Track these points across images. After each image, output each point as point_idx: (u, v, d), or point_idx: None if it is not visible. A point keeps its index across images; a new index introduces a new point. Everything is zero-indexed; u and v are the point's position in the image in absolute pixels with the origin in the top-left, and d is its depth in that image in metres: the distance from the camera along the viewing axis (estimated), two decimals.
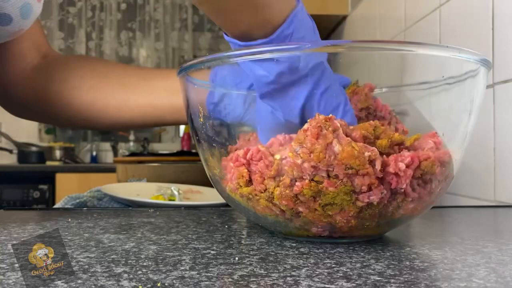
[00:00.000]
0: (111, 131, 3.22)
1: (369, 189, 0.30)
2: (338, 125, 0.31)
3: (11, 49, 0.62)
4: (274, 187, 0.31)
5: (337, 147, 0.30)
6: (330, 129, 0.30)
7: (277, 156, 0.31)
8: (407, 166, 0.31)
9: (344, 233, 0.34)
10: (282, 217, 0.33)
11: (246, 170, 0.33)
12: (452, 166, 0.34)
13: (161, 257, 0.29)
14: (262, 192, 0.32)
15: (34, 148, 2.88)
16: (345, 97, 0.37)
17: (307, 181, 0.30)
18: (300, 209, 0.31)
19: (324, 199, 0.31)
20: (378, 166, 0.30)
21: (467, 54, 0.32)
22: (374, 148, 0.30)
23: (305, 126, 0.31)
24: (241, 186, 0.33)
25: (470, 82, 0.34)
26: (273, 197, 0.32)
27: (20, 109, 0.69)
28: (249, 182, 0.33)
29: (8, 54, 0.63)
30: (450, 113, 0.35)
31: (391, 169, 0.30)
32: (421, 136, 0.33)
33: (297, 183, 0.31)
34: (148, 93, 0.63)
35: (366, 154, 0.30)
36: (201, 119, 0.37)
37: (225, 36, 0.39)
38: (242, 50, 0.34)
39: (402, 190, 0.31)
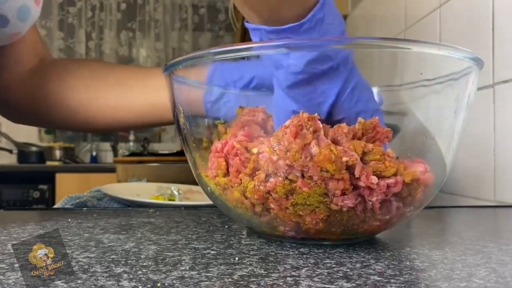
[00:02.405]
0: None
1: (343, 193, 0.30)
2: (320, 126, 0.30)
3: (10, 53, 0.62)
4: (249, 181, 0.31)
5: (314, 149, 0.29)
6: (311, 129, 0.29)
7: (255, 150, 0.31)
8: (389, 186, 0.30)
9: (309, 235, 0.33)
10: (252, 211, 0.33)
11: (224, 163, 0.33)
12: (432, 191, 0.34)
13: (161, 257, 0.29)
14: (237, 185, 0.32)
15: (34, 148, 2.88)
16: (371, 91, 0.35)
17: (280, 178, 0.30)
18: (272, 205, 0.31)
19: (297, 198, 0.30)
20: (357, 172, 0.29)
21: (459, 52, 0.32)
22: (354, 153, 0.29)
23: (287, 122, 0.30)
24: (218, 175, 0.33)
25: (463, 81, 0.33)
26: (246, 191, 0.31)
27: (17, 114, 0.69)
28: (227, 173, 0.33)
29: (6, 58, 0.62)
30: (443, 112, 0.34)
31: (361, 182, 0.30)
32: (416, 173, 0.32)
33: (271, 179, 0.30)
34: (146, 92, 0.63)
35: (344, 159, 0.29)
36: (182, 119, 0.37)
37: (247, 25, 0.35)
38: (222, 47, 0.32)
39: (371, 203, 0.30)
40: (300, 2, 0.32)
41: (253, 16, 0.33)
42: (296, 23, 0.32)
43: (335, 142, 0.30)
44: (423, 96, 0.34)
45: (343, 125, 0.31)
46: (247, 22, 0.35)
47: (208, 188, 0.36)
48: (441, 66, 0.33)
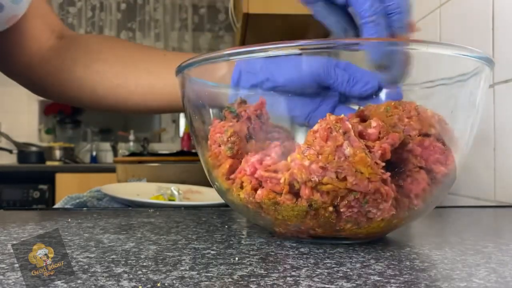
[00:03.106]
0: (111, 131, 3.22)
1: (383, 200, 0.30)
2: (349, 126, 0.30)
3: (22, 28, 0.61)
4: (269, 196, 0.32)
5: (348, 150, 0.29)
6: (340, 130, 0.29)
7: (282, 180, 0.31)
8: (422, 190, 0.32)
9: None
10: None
11: (254, 182, 0.33)
12: (443, 190, 0.35)
13: (161, 257, 0.29)
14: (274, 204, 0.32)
15: (34, 148, 2.88)
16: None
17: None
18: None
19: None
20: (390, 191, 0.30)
21: (470, 53, 0.32)
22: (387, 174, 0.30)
23: (315, 127, 0.30)
24: (244, 187, 0.33)
25: (473, 81, 0.33)
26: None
27: (45, 92, 0.69)
28: (257, 188, 0.33)
29: (21, 34, 0.62)
30: (454, 113, 0.34)
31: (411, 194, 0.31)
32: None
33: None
34: (173, 79, 0.63)
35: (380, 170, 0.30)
36: (195, 120, 0.37)
37: None
38: (243, 48, 0.32)
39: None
40: None
41: None
42: None
43: (362, 137, 0.31)
44: (433, 97, 0.34)
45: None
46: None
47: (217, 184, 0.36)
48: (452, 66, 0.33)
